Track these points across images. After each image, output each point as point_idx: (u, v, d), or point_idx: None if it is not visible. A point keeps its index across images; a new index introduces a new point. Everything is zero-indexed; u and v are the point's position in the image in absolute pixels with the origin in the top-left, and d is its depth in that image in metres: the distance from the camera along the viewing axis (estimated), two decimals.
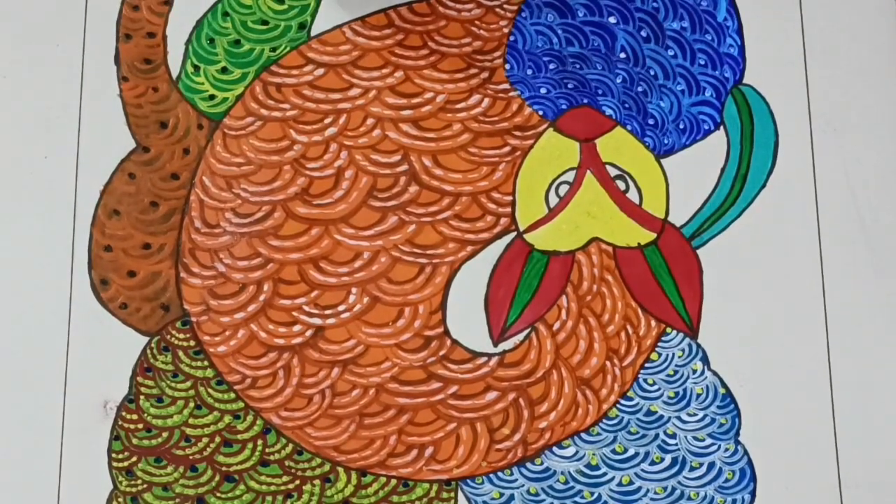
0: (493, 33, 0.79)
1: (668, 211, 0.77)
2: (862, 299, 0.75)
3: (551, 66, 0.79)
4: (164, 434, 0.74)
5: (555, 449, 0.74)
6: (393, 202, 0.77)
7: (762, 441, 0.74)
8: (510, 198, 0.77)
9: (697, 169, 0.77)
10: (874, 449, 0.73)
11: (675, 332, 0.75)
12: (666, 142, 0.78)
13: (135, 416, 0.74)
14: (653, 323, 0.75)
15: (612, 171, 0.77)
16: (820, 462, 0.73)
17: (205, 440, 0.74)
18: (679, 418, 0.74)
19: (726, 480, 0.73)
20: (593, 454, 0.74)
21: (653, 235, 0.76)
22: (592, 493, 0.73)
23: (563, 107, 0.78)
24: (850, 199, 0.77)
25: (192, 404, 0.74)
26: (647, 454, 0.74)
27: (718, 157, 0.77)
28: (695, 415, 0.74)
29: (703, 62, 0.79)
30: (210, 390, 0.74)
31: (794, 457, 0.73)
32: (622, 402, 0.74)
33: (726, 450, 0.74)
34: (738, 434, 0.74)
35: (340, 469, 0.74)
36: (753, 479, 0.73)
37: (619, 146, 0.78)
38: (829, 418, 0.74)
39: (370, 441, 0.74)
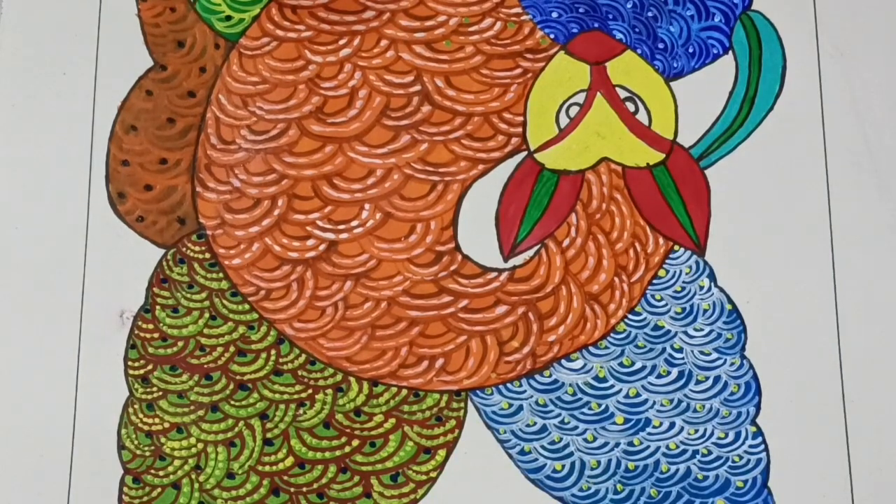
0: None
1: (677, 132, 0.78)
2: (866, 219, 0.77)
3: None
4: (180, 343, 0.75)
5: (563, 361, 0.75)
6: (406, 121, 0.78)
7: (767, 355, 0.75)
8: (521, 118, 0.78)
9: (706, 92, 0.78)
10: (877, 360, 0.74)
11: (682, 249, 0.76)
12: (675, 65, 0.79)
13: (150, 326, 0.75)
14: (661, 240, 0.76)
15: (622, 94, 0.78)
16: (823, 375, 0.74)
17: (219, 350, 0.75)
18: (686, 333, 0.75)
19: (731, 393, 0.74)
20: (601, 367, 0.75)
21: (661, 156, 0.77)
22: (600, 405, 0.74)
23: (574, 31, 0.79)
24: (855, 122, 0.78)
25: (206, 315, 0.75)
26: (653, 367, 0.75)
27: (727, 81, 0.79)
28: (701, 330, 0.75)
29: None
30: (225, 301, 0.75)
31: (799, 370, 0.74)
32: (630, 316, 0.75)
33: (732, 364, 0.75)
34: (743, 349, 0.75)
35: (352, 379, 0.75)
36: (758, 392, 0.74)
37: (628, 69, 0.79)
38: (833, 332, 0.75)
39: (382, 352, 0.75)
